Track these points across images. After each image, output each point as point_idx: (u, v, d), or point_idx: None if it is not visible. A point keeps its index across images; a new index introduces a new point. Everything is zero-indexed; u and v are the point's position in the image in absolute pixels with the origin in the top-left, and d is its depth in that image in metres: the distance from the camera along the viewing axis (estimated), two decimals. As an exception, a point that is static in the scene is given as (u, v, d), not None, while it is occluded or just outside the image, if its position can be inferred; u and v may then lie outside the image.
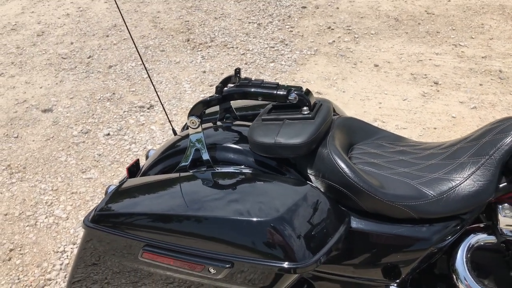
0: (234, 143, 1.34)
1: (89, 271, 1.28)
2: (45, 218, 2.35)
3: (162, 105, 1.66)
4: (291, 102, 1.28)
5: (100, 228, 1.19)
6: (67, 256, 2.13)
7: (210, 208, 1.12)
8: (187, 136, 1.36)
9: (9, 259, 2.13)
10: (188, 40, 4.12)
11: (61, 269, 2.07)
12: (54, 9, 4.93)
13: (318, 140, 1.24)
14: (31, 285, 2.01)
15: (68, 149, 2.83)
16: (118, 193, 1.27)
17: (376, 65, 3.61)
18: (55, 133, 2.99)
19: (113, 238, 1.18)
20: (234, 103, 1.48)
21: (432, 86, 3.31)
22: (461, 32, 4.06)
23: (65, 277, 2.03)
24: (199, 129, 1.32)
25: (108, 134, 2.94)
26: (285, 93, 1.28)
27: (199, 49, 3.97)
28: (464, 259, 1.21)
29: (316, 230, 1.10)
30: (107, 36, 4.27)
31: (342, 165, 1.18)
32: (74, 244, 2.19)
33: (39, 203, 2.45)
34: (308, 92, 1.31)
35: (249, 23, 4.41)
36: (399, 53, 3.77)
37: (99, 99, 3.33)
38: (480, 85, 3.30)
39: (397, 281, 1.22)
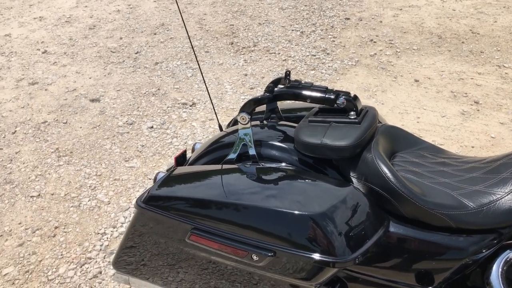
0: (279, 141, 1.41)
1: (128, 251, 1.36)
2: (88, 200, 2.48)
3: (211, 100, 1.74)
4: (339, 106, 1.34)
5: (152, 209, 1.27)
6: (107, 238, 2.24)
7: (257, 199, 1.19)
8: (233, 132, 1.43)
9: (54, 236, 2.26)
10: (232, 43, 4.23)
11: (100, 249, 2.18)
12: (106, 4, 5.15)
13: (363, 145, 1.28)
14: (72, 261, 2.12)
15: (113, 138, 2.97)
16: (170, 179, 1.35)
17: (416, 80, 3.61)
18: (101, 122, 3.13)
19: (163, 219, 1.26)
20: (279, 105, 1.55)
21: (472, 105, 3.29)
22: (506, 54, 4.00)
23: (104, 257, 2.13)
24: (249, 125, 1.38)
25: (152, 127, 3.06)
26: (333, 97, 1.34)
27: (242, 53, 4.07)
28: (500, 274, 1.22)
29: (356, 230, 1.15)
30: (155, 34, 4.43)
31: (385, 170, 1.23)
32: (114, 228, 2.30)
33: (83, 186, 2.58)
34: (356, 97, 1.36)
35: (292, 30, 4.48)
36: (441, 70, 3.76)
37: (145, 93, 3.46)
38: (523, 108, 3.25)
39: (430, 288, 1.25)
